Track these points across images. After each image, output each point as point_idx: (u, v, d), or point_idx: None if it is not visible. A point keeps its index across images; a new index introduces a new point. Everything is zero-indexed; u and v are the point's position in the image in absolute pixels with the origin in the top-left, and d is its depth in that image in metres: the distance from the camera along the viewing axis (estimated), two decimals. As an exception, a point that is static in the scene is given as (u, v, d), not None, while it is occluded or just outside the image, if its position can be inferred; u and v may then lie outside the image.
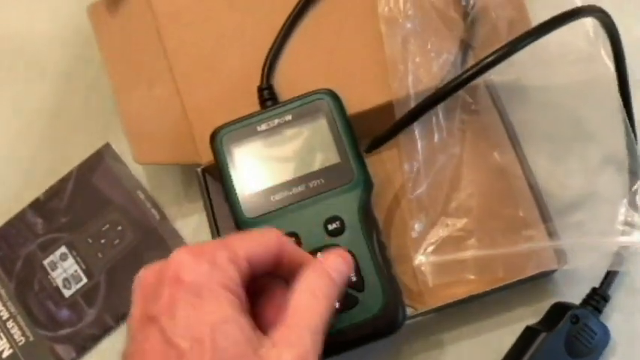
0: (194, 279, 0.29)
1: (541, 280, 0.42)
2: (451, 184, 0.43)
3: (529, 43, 0.36)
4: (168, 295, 0.29)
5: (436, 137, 0.42)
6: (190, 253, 0.31)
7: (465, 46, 0.42)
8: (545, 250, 0.40)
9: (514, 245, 0.40)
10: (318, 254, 0.35)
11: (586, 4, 0.38)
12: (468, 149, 0.43)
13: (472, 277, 0.41)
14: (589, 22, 0.38)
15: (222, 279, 0.30)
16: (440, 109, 0.42)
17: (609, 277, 0.41)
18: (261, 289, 0.33)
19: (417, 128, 0.41)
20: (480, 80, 0.43)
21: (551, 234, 0.41)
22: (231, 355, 0.28)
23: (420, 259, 0.42)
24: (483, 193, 0.43)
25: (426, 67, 0.41)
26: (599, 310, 0.41)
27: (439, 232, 0.42)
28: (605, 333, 0.40)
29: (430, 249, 0.42)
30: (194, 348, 0.28)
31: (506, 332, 0.42)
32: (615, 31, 0.38)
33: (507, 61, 0.39)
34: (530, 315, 0.42)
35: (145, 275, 0.32)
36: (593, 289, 0.41)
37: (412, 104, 0.41)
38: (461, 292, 0.41)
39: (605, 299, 0.41)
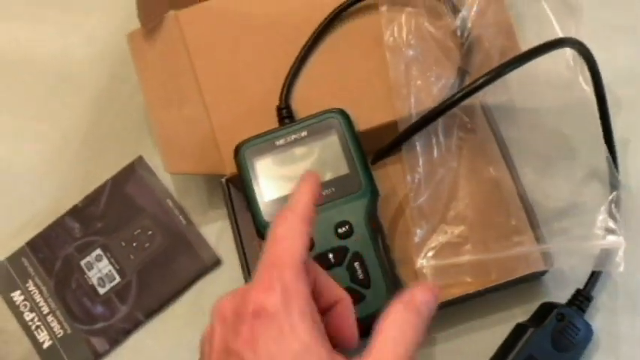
0: (271, 312, 0.30)
1: (531, 282, 0.45)
2: (449, 195, 0.45)
3: (515, 67, 0.40)
4: (249, 331, 0.30)
5: (436, 153, 0.45)
6: (261, 289, 0.31)
7: (462, 72, 0.45)
8: (533, 253, 0.43)
9: (506, 250, 0.43)
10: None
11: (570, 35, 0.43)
12: (464, 164, 0.46)
13: (468, 279, 0.44)
14: (569, 52, 0.42)
15: (298, 303, 0.31)
16: (439, 127, 0.45)
17: (592, 279, 0.44)
18: None
19: (418, 144, 0.45)
20: (476, 103, 0.47)
21: (539, 239, 0.44)
22: None
23: (422, 262, 0.45)
24: (478, 203, 0.46)
25: (426, 90, 0.44)
26: (582, 310, 0.44)
27: (439, 238, 0.45)
28: (588, 330, 0.43)
29: (430, 253, 0.45)
30: None
31: (499, 330, 0.45)
32: (592, 59, 0.41)
33: (501, 86, 0.42)
34: (522, 314, 0.45)
35: (223, 308, 0.32)
36: (578, 290, 0.45)
37: (413, 120, 0.44)
38: (457, 292, 0.44)
39: (589, 299, 0.44)
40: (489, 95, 0.45)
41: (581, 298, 0.44)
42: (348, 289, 0.41)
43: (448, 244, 0.45)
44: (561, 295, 0.45)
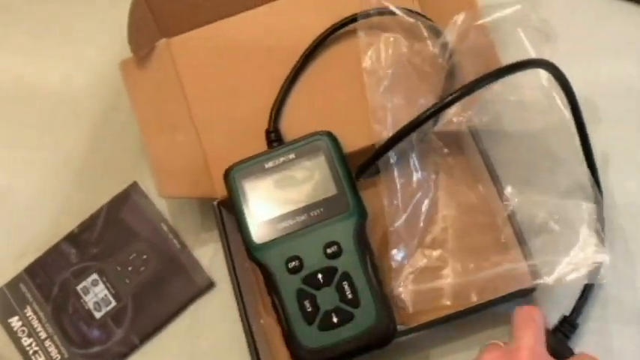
0: None
1: (523, 299, 0.45)
2: (427, 218, 0.46)
3: (486, 84, 0.41)
4: None
5: (414, 177, 0.46)
6: None
7: (442, 96, 0.46)
8: (520, 270, 0.44)
9: (485, 270, 0.44)
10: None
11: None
12: (441, 188, 0.47)
13: (448, 302, 0.45)
14: (544, 75, 0.43)
15: None
16: (415, 153, 0.46)
17: (578, 306, 0.45)
18: None
19: (396, 169, 0.46)
20: (462, 124, 0.48)
21: (526, 256, 0.45)
22: None
23: (400, 288, 0.45)
24: (457, 226, 0.47)
25: (403, 113, 0.45)
26: (567, 337, 0.44)
27: (417, 263, 0.46)
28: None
29: (410, 278, 0.45)
30: None
31: None
32: (564, 80, 0.42)
33: (487, 107, 0.43)
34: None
35: None
36: (564, 317, 0.45)
37: None
38: (449, 309, 0.44)
39: (574, 327, 0.44)
40: (476, 116, 0.46)
41: (567, 326, 0.44)
42: (337, 310, 0.42)
43: (427, 269, 0.46)
44: (551, 310, 0.45)
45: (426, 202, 0.47)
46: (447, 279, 0.45)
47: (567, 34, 0.44)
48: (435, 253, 0.46)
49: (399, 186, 0.46)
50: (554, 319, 0.45)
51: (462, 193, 0.48)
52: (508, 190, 0.46)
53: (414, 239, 0.46)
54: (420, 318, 0.45)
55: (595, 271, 0.43)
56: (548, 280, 0.43)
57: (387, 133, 0.46)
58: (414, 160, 0.47)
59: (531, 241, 0.45)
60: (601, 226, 0.43)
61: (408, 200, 0.46)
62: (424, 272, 0.46)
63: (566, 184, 0.46)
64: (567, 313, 0.45)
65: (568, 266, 0.42)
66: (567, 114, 0.43)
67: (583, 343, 0.45)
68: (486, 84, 0.40)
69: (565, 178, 0.46)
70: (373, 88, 0.46)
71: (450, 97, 0.41)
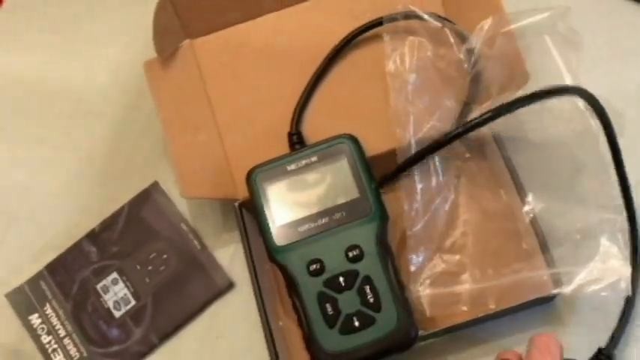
0: None
1: (545, 305, 0.45)
2: (446, 223, 0.46)
3: (518, 108, 0.41)
4: None
5: (433, 181, 0.46)
6: None
7: (465, 103, 0.46)
8: (541, 277, 0.43)
9: (512, 274, 0.43)
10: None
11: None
12: (462, 193, 0.47)
13: (465, 308, 0.44)
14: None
15: None
16: (437, 156, 0.46)
17: (614, 338, 0.43)
18: None
19: (416, 173, 0.45)
20: (487, 131, 0.48)
21: (549, 263, 0.44)
22: None
23: (418, 291, 0.45)
24: (477, 231, 0.46)
25: (426, 118, 0.45)
26: None
27: (435, 267, 0.46)
28: None
29: (427, 282, 0.45)
30: None
31: None
32: (600, 108, 0.42)
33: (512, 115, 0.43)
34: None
35: None
36: (599, 350, 0.43)
37: (413, 150, 0.45)
38: (470, 315, 0.44)
39: (610, 358, 0.43)
40: (500, 122, 0.46)
41: (603, 358, 0.43)
42: (359, 314, 0.42)
43: (445, 273, 0.45)
44: (573, 318, 0.45)
45: (446, 206, 0.47)
46: (465, 284, 0.45)
47: (595, 40, 0.44)
48: (454, 257, 0.46)
49: (419, 189, 0.46)
50: (576, 330, 0.45)
51: (484, 198, 0.48)
52: (530, 197, 0.45)
53: (433, 243, 0.46)
54: (438, 323, 0.45)
55: (616, 283, 0.43)
56: (567, 289, 0.42)
57: (409, 137, 0.46)
58: (435, 163, 0.47)
59: (551, 250, 0.45)
60: (623, 238, 0.43)
61: (427, 204, 0.46)
62: (442, 277, 0.45)
63: (588, 193, 0.45)
64: (592, 326, 0.45)
65: (588, 277, 0.41)
66: (593, 123, 0.42)
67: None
68: (518, 108, 0.40)
69: (588, 187, 0.45)
70: (396, 91, 0.46)
71: (479, 119, 0.41)
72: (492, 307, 0.44)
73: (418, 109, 0.46)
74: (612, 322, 0.44)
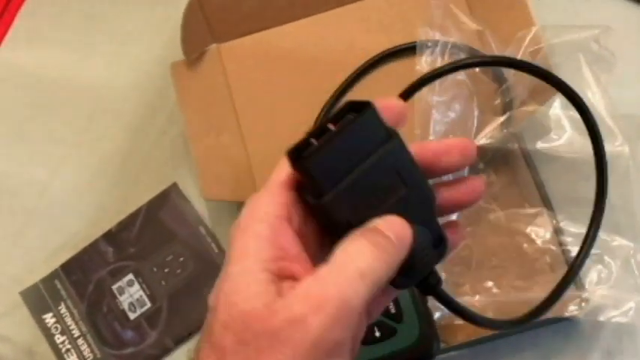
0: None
1: (567, 322, 0.45)
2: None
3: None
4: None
5: None
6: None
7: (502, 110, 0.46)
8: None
9: (515, 292, 0.43)
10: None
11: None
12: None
13: (459, 321, 0.42)
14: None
15: (253, 226, 0.28)
16: None
17: None
18: None
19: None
20: (515, 146, 0.47)
21: (575, 283, 0.44)
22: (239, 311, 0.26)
23: None
24: (481, 244, 0.46)
25: (446, 122, 0.45)
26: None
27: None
28: None
29: None
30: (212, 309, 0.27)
31: None
32: (581, 104, 0.40)
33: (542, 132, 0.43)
34: (556, 355, 0.45)
35: None
36: None
37: None
38: (481, 332, 0.43)
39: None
40: (530, 141, 0.46)
41: None
42: (380, 324, 0.42)
43: (445, 284, 0.44)
44: (596, 334, 0.45)
45: (454, 216, 0.46)
46: (465, 297, 0.45)
47: (632, 58, 0.44)
48: (456, 269, 0.46)
49: None
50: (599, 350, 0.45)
51: (494, 210, 0.48)
52: (556, 212, 0.45)
53: None
54: (459, 336, 0.44)
55: (627, 310, 0.43)
56: (579, 313, 0.42)
57: (429, 139, 0.46)
58: None
59: (562, 270, 0.44)
60: (637, 265, 0.43)
61: None
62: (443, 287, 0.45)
63: (608, 217, 0.45)
64: (616, 348, 0.44)
65: (600, 301, 0.41)
66: (627, 148, 0.42)
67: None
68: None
69: (609, 212, 0.45)
70: (423, 92, 0.46)
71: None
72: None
73: (441, 112, 0.46)
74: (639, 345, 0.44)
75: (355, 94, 0.50)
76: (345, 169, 0.28)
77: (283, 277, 0.27)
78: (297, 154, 0.28)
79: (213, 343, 0.26)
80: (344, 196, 0.28)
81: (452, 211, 0.31)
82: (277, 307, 0.26)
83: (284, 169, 0.29)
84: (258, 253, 0.27)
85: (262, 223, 0.27)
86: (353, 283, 0.26)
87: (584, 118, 0.39)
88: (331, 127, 0.28)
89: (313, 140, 0.28)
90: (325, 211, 0.28)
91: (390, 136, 0.28)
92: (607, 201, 0.46)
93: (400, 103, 0.30)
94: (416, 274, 0.30)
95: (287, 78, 0.51)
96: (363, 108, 0.28)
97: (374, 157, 0.28)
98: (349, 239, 0.27)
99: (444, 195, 0.30)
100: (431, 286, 0.31)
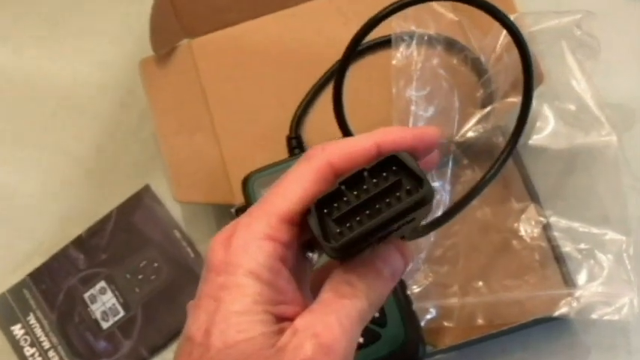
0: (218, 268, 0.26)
1: (557, 321, 0.43)
2: (438, 231, 0.44)
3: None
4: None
5: None
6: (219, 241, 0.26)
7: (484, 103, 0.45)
8: (542, 297, 0.42)
9: (504, 291, 0.42)
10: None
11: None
12: (455, 201, 0.45)
13: (450, 324, 0.43)
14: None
15: (249, 264, 0.25)
16: None
17: None
18: None
19: None
20: (500, 139, 0.46)
21: (564, 275, 0.43)
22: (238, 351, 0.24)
23: None
24: (468, 243, 0.45)
25: (426, 116, 0.44)
26: None
27: (422, 278, 0.44)
28: None
29: (415, 292, 0.43)
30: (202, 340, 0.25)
31: None
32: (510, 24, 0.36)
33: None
34: (547, 356, 0.44)
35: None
36: None
37: None
38: (478, 332, 0.43)
39: None
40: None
41: None
42: (364, 329, 0.40)
43: (432, 286, 0.44)
44: (588, 334, 0.44)
45: (439, 214, 0.45)
46: (453, 298, 0.44)
47: (616, 45, 0.42)
48: (443, 269, 0.45)
49: None
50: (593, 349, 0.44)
51: (480, 208, 0.47)
52: (544, 207, 0.44)
53: (422, 253, 0.45)
54: (447, 339, 0.43)
55: (621, 306, 0.42)
56: (569, 311, 0.41)
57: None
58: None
59: (553, 269, 0.43)
60: (629, 260, 0.41)
61: None
62: (429, 288, 0.44)
63: (598, 210, 0.44)
64: (609, 346, 0.44)
65: (592, 298, 0.40)
66: (614, 138, 0.41)
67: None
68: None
69: (599, 204, 0.44)
70: (400, 87, 0.44)
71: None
72: (480, 323, 0.43)
73: (420, 107, 0.45)
74: (634, 343, 0.43)
75: (328, 92, 0.48)
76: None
77: (283, 320, 0.25)
78: (322, 206, 0.25)
79: None
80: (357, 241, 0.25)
81: None
82: (285, 347, 0.24)
83: (287, 198, 0.26)
84: (260, 296, 0.25)
85: (259, 262, 0.25)
86: (355, 326, 0.25)
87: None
88: (369, 181, 0.25)
89: (344, 188, 0.25)
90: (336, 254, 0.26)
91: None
92: (595, 193, 0.45)
93: (436, 133, 0.27)
94: None
95: (262, 74, 0.49)
96: (418, 182, 0.25)
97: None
98: (344, 280, 0.26)
99: None
100: None
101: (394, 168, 0.25)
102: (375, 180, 0.25)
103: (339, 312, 0.25)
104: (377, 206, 0.25)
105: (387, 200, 0.25)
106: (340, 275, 0.26)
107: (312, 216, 0.25)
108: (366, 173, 0.25)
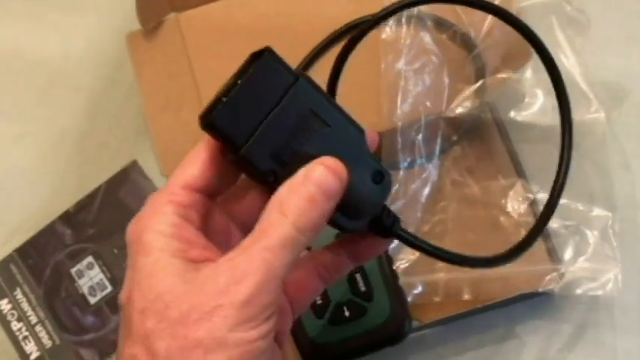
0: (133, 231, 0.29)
1: (542, 297, 0.44)
2: (425, 208, 0.44)
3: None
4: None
5: (417, 162, 0.44)
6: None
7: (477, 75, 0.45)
8: (523, 274, 0.42)
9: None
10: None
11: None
12: (445, 177, 0.45)
13: (437, 299, 0.43)
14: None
15: (154, 226, 0.28)
16: (421, 137, 0.44)
17: None
18: None
19: (400, 152, 0.44)
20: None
21: (550, 251, 0.43)
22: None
23: None
24: (456, 219, 0.45)
25: (415, 92, 0.44)
26: None
27: (409, 254, 0.44)
28: None
29: (400, 269, 0.43)
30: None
31: (508, 346, 0.44)
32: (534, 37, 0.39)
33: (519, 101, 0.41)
34: (531, 331, 0.44)
35: None
36: None
37: (399, 124, 0.43)
38: (464, 306, 0.43)
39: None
40: (503, 110, 0.45)
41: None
42: (350, 303, 0.40)
43: (419, 260, 0.44)
44: (572, 310, 0.44)
45: (426, 189, 0.45)
46: (439, 274, 0.44)
47: (605, 22, 0.42)
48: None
49: (401, 171, 0.44)
50: (575, 323, 0.44)
51: (468, 184, 0.47)
52: (530, 183, 0.44)
53: (410, 228, 0.44)
54: (432, 314, 0.44)
55: (605, 282, 0.42)
56: (555, 287, 0.41)
57: (398, 111, 0.44)
58: (419, 143, 0.45)
59: (538, 245, 0.43)
60: (615, 236, 0.42)
61: (407, 185, 0.45)
62: (416, 263, 0.44)
63: (584, 187, 0.44)
64: (591, 320, 0.44)
65: (577, 274, 0.41)
66: (602, 115, 0.41)
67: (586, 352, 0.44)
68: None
69: (584, 181, 0.44)
70: (389, 62, 0.44)
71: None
72: (467, 298, 0.43)
73: (409, 82, 0.44)
74: (618, 319, 0.43)
75: (322, 67, 0.48)
76: (257, 118, 0.27)
77: (198, 262, 0.27)
78: (206, 115, 0.28)
79: (135, 333, 0.26)
80: (261, 144, 0.27)
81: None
82: (201, 282, 0.26)
83: (189, 166, 0.29)
84: (166, 246, 0.27)
85: (162, 221, 0.27)
86: (277, 251, 0.26)
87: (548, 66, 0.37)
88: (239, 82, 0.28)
89: (224, 98, 0.28)
90: (248, 164, 0.27)
91: (296, 78, 0.28)
92: (582, 169, 0.45)
93: (373, 133, 0.30)
94: (361, 214, 0.29)
95: (251, 49, 0.48)
96: (261, 54, 0.28)
97: (284, 100, 0.27)
98: (272, 202, 0.27)
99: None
100: (387, 227, 0.29)
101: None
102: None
103: (260, 243, 0.26)
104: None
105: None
106: (270, 204, 0.27)
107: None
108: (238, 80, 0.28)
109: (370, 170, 0.28)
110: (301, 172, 0.27)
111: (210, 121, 0.28)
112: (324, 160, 0.27)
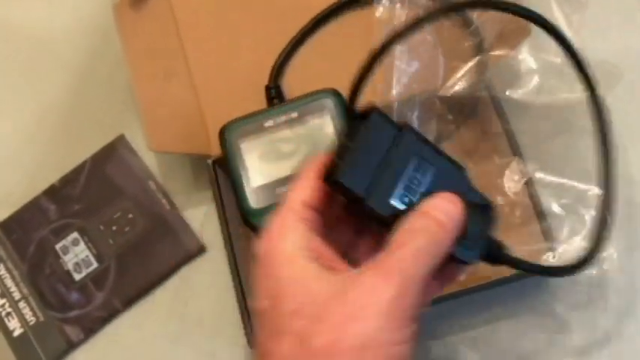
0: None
1: (536, 277, 0.44)
2: None
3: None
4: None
5: None
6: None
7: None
8: (524, 251, 0.41)
9: None
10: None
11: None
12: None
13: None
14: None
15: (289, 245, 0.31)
16: (416, 116, 0.43)
17: None
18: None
19: None
20: (485, 94, 0.45)
21: (545, 233, 0.43)
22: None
23: None
24: None
25: (410, 72, 0.43)
26: None
27: None
28: None
29: None
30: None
31: (502, 326, 0.44)
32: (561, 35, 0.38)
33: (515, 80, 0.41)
34: (526, 311, 0.44)
35: None
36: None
37: (394, 106, 0.43)
38: (457, 286, 0.42)
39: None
40: (499, 88, 0.44)
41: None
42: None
43: None
44: (570, 287, 0.44)
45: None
46: None
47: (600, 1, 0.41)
48: None
49: None
50: (573, 302, 0.43)
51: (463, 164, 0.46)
52: (527, 162, 0.43)
53: None
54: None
55: (602, 261, 0.41)
56: (550, 264, 0.41)
57: (393, 91, 0.43)
58: (415, 123, 0.44)
59: (533, 225, 0.43)
60: (609, 216, 0.41)
61: None
62: None
63: (581, 166, 0.43)
64: (590, 299, 0.44)
65: (573, 253, 0.39)
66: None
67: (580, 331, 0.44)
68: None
69: (582, 160, 0.43)
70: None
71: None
72: (462, 278, 0.42)
73: (404, 61, 0.43)
74: (611, 300, 0.43)
75: (314, 44, 0.46)
76: (372, 169, 0.31)
77: (331, 270, 0.30)
78: (330, 175, 0.32)
79: (288, 332, 0.28)
80: (380, 192, 0.31)
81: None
82: (347, 284, 0.29)
83: (304, 188, 0.32)
84: (307, 256, 0.30)
85: (298, 234, 0.31)
86: (413, 260, 0.29)
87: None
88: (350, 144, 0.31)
89: (339, 160, 0.31)
90: (372, 213, 0.31)
91: (401, 129, 0.32)
92: (578, 149, 0.44)
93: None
94: (476, 244, 0.32)
95: (241, 19, 0.47)
96: (369, 114, 0.32)
97: (393, 150, 0.31)
98: (400, 230, 0.30)
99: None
100: (497, 253, 0.33)
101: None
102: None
103: (396, 254, 0.29)
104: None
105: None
106: (398, 230, 0.30)
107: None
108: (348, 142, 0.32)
109: (476, 202, 0.32)
110: (424, 204, 0.31)
111: (336, 182, 0.31)
112: (440, 194, 0.31)
